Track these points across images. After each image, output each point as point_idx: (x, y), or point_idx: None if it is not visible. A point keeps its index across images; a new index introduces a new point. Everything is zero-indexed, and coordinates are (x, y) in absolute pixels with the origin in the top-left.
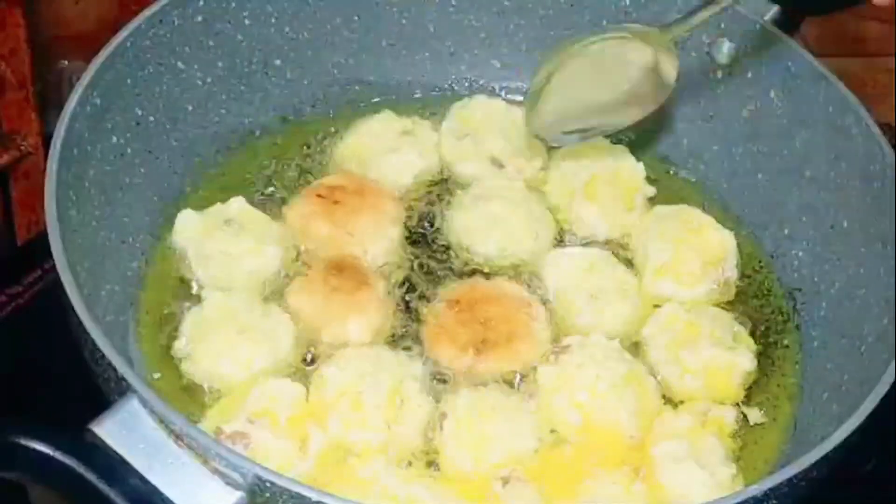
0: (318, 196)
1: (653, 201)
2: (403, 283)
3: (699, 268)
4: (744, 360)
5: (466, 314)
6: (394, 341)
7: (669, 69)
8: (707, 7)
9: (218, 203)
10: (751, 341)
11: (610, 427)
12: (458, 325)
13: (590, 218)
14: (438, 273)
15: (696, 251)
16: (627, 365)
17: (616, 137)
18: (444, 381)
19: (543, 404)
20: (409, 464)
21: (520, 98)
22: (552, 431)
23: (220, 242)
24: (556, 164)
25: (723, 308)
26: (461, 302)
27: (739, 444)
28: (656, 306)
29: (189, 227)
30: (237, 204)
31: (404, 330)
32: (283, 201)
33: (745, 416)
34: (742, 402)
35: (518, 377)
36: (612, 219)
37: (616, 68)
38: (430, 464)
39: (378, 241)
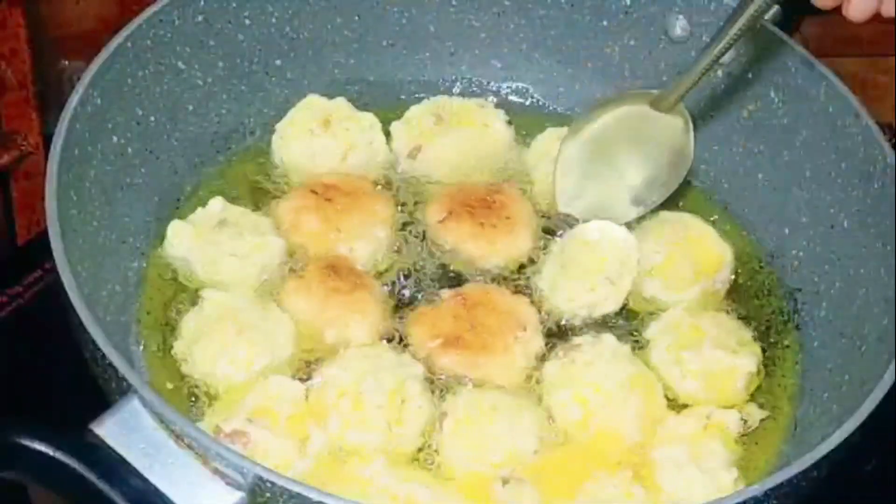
0: (312, 192)
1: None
2: (394, 286)
3: (690, 275)
4: (747, 363)
5: (463, 310)
6: (390, 342)
7: (685, 139)
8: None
9: (199, 208)
10: (755, 345)
11: (611, 427)
12: (449, 315)
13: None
14: (430, 277)
15: (690, 259)
16: (636, 368)
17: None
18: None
19: (546, 398)
20: (409, 464)
21: (519, 99)
22: (552, 428)
23: (224, 245)
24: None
25: (720, 308)
26: (468, 298)
27: (740, 444)
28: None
29: (184, 236)
30: (218, 205)
31: (398, 332)
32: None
33: (744, 417)
34: (742, 402)
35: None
36: None
37: (641, 144)
38: (431, 464)
39: (364, 241)
